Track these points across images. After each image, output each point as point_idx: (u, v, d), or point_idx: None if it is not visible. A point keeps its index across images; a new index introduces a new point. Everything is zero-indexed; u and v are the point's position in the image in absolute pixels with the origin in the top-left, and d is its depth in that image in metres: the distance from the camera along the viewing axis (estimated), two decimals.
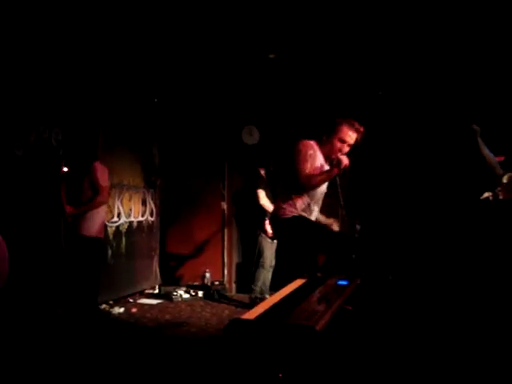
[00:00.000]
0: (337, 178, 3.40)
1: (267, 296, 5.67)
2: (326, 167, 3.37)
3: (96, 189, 4.41)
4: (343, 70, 5.94)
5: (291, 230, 3.36)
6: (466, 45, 5.05)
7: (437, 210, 5.62)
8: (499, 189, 4.10)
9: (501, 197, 4.18)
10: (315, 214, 3.52)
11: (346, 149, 3.33)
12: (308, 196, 3.41)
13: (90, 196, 4.42)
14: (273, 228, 3.74)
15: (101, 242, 4.62)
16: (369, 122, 3.70)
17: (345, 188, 3.59)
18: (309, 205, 3.42)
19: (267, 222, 5.65)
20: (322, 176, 3.25)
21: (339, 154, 3.27)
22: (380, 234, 5.80)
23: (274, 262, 5.91)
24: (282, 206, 3.39)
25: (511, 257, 3.94)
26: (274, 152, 6.30)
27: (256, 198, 5.82)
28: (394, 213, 5.94)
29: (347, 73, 6.00)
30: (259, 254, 5.89)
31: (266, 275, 5.87)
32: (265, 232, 5.77)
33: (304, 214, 3.40)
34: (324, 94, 6.33)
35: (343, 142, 3.30)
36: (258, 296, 5.80)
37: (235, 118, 6.95)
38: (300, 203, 3.37)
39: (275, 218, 3.46)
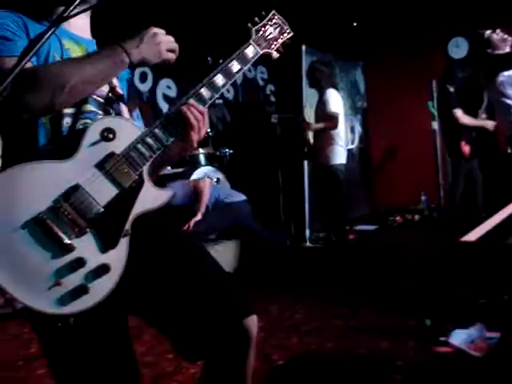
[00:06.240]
0: None
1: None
2: None
3: (327, 115, 4.66)
4: None
5: None
6: None
7: None
8: None
9: None
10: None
11: None
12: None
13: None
14: None
15: (342, 170, 4.85)
16: None
17: None
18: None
19: (463, 142, 5.05)
20: None
21: None
22: None
23: None
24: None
25: None
26: None
27: (453, 119, 4.95)
28: None
29: None
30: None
31: None
32: (460, 154, 5.00)
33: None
34: None
35: None
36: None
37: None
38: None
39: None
